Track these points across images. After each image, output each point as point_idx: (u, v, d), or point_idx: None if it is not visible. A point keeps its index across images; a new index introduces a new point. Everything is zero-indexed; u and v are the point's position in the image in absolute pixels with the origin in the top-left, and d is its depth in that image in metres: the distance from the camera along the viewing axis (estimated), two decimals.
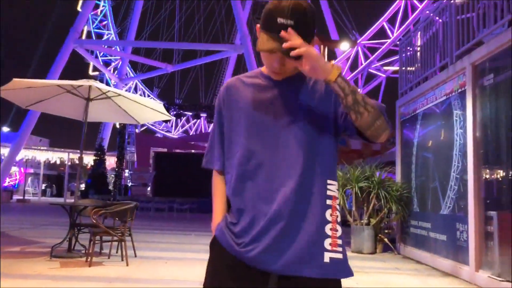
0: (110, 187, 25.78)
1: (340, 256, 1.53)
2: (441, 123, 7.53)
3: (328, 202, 1.55)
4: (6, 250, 7.19)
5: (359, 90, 1.47)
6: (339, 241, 1.54)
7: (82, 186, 32.58)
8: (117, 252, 7.00)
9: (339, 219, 1.57)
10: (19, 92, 6.90)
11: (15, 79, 6.32)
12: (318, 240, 1.50)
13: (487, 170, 6.05)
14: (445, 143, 7.20)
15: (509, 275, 5.27)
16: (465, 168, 6.46)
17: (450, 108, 7.06)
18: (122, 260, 6.46)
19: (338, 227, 1.56)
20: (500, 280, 5.36)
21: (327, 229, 1.52)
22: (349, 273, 1.55)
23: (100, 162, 24.78)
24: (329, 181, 1.55)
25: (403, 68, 9.71)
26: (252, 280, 1.51)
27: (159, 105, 7.09)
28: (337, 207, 1.58)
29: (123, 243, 6.42)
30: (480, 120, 6.17)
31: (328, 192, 1.55)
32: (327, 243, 1.51)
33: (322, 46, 6.84)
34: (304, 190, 1.51)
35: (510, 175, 5.49)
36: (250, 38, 31.67)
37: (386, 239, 9.16)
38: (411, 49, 9.23)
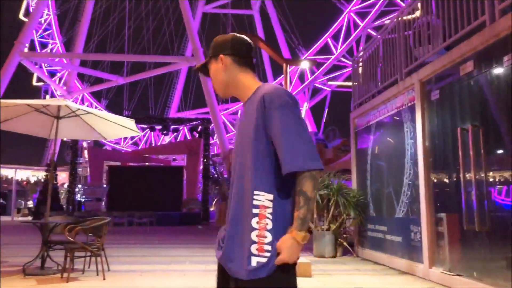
0: (62, 203, 25.13)
1: (264, 260, 1.72)
2: (393, 134, 8.21)
3: (255, 211, 1.75)
4: None
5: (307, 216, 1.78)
6: (267, 247, 1.73)
7: (30, 203, 31.46)
8: (89, 267, 7.12)
9: (269, 227, 1.74)
10: None
11: None
12: (244, 244, 1.75)
13: (436, 176, 6.72)
14: (397, 152, 7.87)
15: (459, 270, 5.92)
16: (416, 174, 7.12)
17: (401, 120, 7.74)
18: (97, 274, 6.60)
19: (268, 234, 1.74)
20: (451, 275, 6.00)
21: (253, 235, 1.74)
22: (270, 270, 1.72)
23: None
24: (256, 192, 1.75)
25: (355, 83, 10.41)
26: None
27: (130, 122, 7.30)
28: (268, 215, 1.74)
29: (98, 258, 6.56)
30: (428, 131, 6.86)
31: (255, 202, 1.75)
32: (253, 248, 1.73)
33: (284, 65, 7.31)
34: (238, 200, 1.81)
35: (455, 180, 6.16)
36: (202, 50, 31.96)
37: (345, 243, 9.75)
38: (362, 65, 9.94)
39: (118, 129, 7.90)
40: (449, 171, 6.36)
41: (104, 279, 6.40)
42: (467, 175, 5.66)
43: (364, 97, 9.72)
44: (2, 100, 6.36)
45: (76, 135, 8.67)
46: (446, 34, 6.35)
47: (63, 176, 32.20)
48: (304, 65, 7.47)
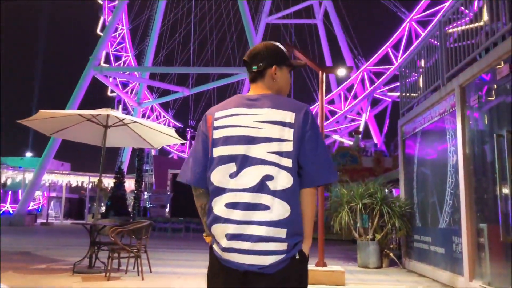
0: (129, 209, 26.47)
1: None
2: (436, 141, 7.94)
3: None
4: (33, 268, 7.77)
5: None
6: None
7: (103, 208, 33.40)
8: (134, 268, 7.52)
9: None
10: (44, 122, 7.58)
11: (41, 111, 7.00)
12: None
13: (477, 185, 6.41)
14: (440, 160, 7.60)
15: (499, 283, 5.61)
16: (457, 183, 6.84)
17: (444, 127, 7.48)
18: (138, 275, 6.96)
19: None
20: None
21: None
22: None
23: (119, 185, 25.53)
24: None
25: (403, 90, 10.16)
26: None
27: (170, 130, 7.68)
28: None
29: (139, 259, 6.94)
30: (469, 138, 6.58)
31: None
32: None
33: (321, 73, 7.34)
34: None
35: (497, 189, 5.86)
36: None
37: (391, 254, 9.49)
38: (409, 71, 9.69)
39: (163, 137, 8.32)
40: (488, 180, 6.06)
41: (142, 279, 6.75)
42: (503, 184, 5.38)
43: (410, 103, 9.46)
44: (51, 111, 6.96)
45: (125, 143, 9.22)
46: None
47: (132, 183, 33.89)
48: (341, 72, 7.44)
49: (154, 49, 42.60)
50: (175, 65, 41.19)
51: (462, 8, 7.21)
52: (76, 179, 35.14)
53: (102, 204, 36.49)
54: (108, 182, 30.88)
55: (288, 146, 1.82)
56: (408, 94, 9.83)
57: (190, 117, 41.40)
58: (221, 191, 1.83)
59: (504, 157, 5.32)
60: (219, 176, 1.85)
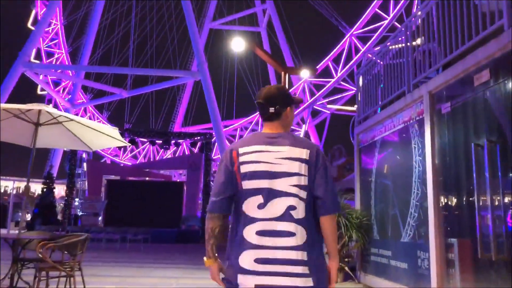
0: (59, 217, 24.54)
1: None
2: (399, 150, 7.61)
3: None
4: None
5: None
6: None
7: (28, 216, 30.91)
8: None
9: None
10: None
11: None
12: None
13: (446, 197, 6.09)
14: (404, 170, 7.26)
15: None
16: (424, 195, 6.49)
17: (408, 135, 7.15)
18: None
19: None
20: None
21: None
22: None
23: (48, 191, 23.58)
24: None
25: (360, 96, 9.85)
26: None
27: (113, 130, 6.77)
28: None
29: (71, 278, 5.96)
30: (439, 147, 6.26)
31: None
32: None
33: (283, 74, 6.79)
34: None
35: (468, 202, 5.54)
36: (207, 64, 31.67)
37: (346, 268, 9.07)
38: (369, 77, 9.39)
39: (103, 139, 7.36)
40: (461, 192, 5.73)
41: None
42: (481, 197, 5.04)
43: (368, 111, 9.14)
44: None
45: (59, 144, 8.13)
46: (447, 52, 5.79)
47: (63, 189, 31.66)
48: (304, 74, 6.93)
49: (90, 48, 40.45)
50: (112, 65, 39.30)
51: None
52: None
53: (28, 212, 33.83)
54: (36, 187, 28.57)
55: (305, 180, 2.11)
56: (365, 101, 9.51)
57: (126, 120, 39.66)
58: (252, 220, 2.07)
59: (483, 167, 4.98)
60: (249, 207, 2.09)
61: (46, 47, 42.48)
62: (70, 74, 40.20)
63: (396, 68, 7.89)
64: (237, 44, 6.92)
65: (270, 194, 2.08)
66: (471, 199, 5.41)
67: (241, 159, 2.14)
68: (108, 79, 39.50)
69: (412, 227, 6.91)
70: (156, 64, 40.88)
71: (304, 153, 2.13)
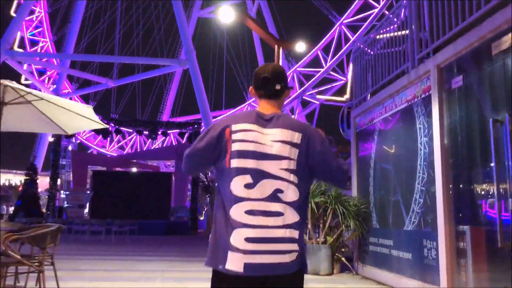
0: (44, 210, 23.73)
1: None
2: (402, 132, 7.04)
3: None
4: None
5: None
6: None
7: (11, 208, 30.05)
8: (36, 285, 5.86)
9: None
10: None
11: None
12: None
13: (458, 180, 5.54)
14: (408, 153, 6.70)
15: None
16: (432, 179, 5.94)
17: (413, 115, 6.58)
18: None
19: None
20: None
21: None
22: None
23: (31, 182, 22.73)
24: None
25: (357, 77, 9.25)
26: None
27: (88, 109, 6.07)
28: None
29: (41, 274, 5.31)
30: (448, 126, 5.69)
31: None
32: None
33: (276, 47, 6.17)
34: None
35: (483, 185, 5.00)
36: (195, 53, 30.89)
37: (343, 258, 8.53)
38: (367, 56, 8.79)
39: (78, 120, 6.65)
40: (475, 175, 5.18)
41: None
42: (501, 180, 4.48)
43: (367, 92, 8.55)
44: None
45: (27, 126, 7.31)
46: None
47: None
48: (299, 47, 6.32)
49: (75, 36, 39.32)
50: (99, 54, 38.23)
51: None
52: None
53: (12, 205, 32.91)
54: (20, 179, 27.64)
55: (294, 165, 2.04)
56: (362, 81, 8.92)
57: (112, 110, 38.63)
58: (240, 199, 2.00)
59: (504, 145, 4.42)
60: (237, 186, 2.02)
61: (30, 35, 41.29)
62: (55, 63, 39.13)
63: (398, 43, 7.31)
64: (225, 14, 6.22)
65: (258, 175, 2.01)
66: (487, 182, 4.86)
67: (233, 137, 2.06)
68: (94, 69, 38.50)
69: (417, 214, 6.36)
70: (143, 54, 39.91)
71: (295, 137, 2.07)
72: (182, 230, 21.03)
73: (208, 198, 28.42)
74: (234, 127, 2.08)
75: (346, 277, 8.00)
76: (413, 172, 6.45)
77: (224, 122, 2.14)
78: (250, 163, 2.01)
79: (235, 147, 2.04)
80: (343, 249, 9.02)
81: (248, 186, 2.00)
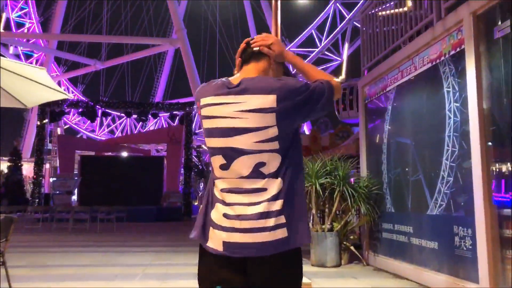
0: (28, 197, 22.64)
1: None
2: (425, 98, 5.94)
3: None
4: None
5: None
6: None
7: None
8: None
9: None
10: None
11: None
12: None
13: (500, 154, 4.48)
14: (432, 123, 5.61)
15: None
16: (465, 152, 4.87)
17: (439, 77, 5.47)
18: None
19: None
20: None
21: None
22: None
23: (15, 168, 21.58)
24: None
25: (367, 38, 8.11)
26: None
27: (40, 71, 4.93)
28: None
29: None
30: (488, 87, 4.60)
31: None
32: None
33: (274, 1, 5.06)
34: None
35: None
36: (186, 31, 29.56)
37: (352, 248, 7.51)
38: (375, 14, 7.64)
39: (39, 90, 5.53)
40: None
41: None
42: None
43: (379, 55, 7.43)
44: None
45: None
46: None
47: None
48: None
49: (62, 16, 37.76)
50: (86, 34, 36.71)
51: None
52: None
53: None
54: (3, 165, 26.47)
55: (274, 131, 1.76)
56: (372, 43, 7.78)
57: (101, 93, 37.23)
58: (218, 178, 1.83)
59: None
60: (215, 166, 1.84)
61: (16, 17, 39.87)
62: (42, 45, 37.68)
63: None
64: None
65: (232, 153, 1.77)
66: None
67: (203, 112, 1.85)
68: (82, 51, 37.04)
69: (444, 195, 5.30)
70: (132, 33, 38.36)
71: (269, 101, 1.74)
72: (175, 216, 20.08)
73: (202, 183, 27.39)
74: (203, 101, 1.86)
75: (356, 269, 6.99)
76: (440, 146, 5.37)
77: (198, 94, 1.90)
78: (219, 142, 1.80)
79: (204, 124, 1.86)
80: (351, 237, 8.00)
81: (222, 167, 1.80)
